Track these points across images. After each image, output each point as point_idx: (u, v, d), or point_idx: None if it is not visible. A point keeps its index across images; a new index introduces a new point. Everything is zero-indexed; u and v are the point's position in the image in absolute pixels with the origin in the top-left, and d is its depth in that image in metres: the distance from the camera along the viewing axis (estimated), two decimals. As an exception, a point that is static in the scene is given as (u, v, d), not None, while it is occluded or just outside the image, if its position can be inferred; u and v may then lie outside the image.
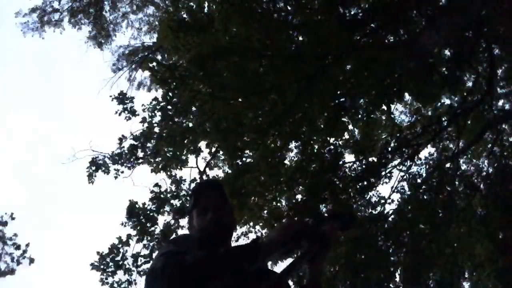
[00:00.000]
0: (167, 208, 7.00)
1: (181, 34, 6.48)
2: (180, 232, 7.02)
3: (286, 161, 7.39)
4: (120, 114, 6.96)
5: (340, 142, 7.30)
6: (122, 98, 7.04)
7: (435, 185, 7.31)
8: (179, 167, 7.15)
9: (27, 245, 13.46)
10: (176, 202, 7.02)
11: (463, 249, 7.46)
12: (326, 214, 1.74)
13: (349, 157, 7.39)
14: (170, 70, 6.59)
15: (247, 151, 6.91)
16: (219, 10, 6.43)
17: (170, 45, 7.01)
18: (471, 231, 7.38)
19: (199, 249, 1.51)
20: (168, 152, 7.05)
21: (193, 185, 7.02)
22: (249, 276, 1.36)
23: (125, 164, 7.18)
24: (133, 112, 6.98)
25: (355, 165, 7.23)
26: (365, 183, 7.10)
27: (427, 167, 7.77)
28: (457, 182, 7.77)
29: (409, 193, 7.41)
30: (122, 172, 7.20)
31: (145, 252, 6.84)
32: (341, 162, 7.07)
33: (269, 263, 2.64)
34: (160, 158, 7.12)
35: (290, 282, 1.65)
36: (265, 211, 7.22)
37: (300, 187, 7.07)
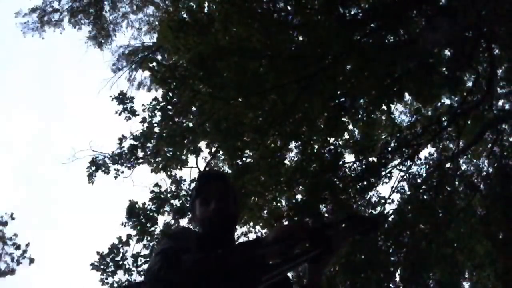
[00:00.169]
0: (167, 208, 6.99)
1: (181, 34, 6.48)
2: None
3: (286, 161, 7.40)
4: (120, 114, 6.95)
5: (340, 142, 7.30)
6: (122, 98, 7.04)
7: (435, 185, 7.31)
8: (179, 167, 7.15)
9: (27, 245, 13.46)
10: (176, 202, 7.01)
11: (463, 249, 7.46)
12: (346, 217, 1.64)
13: (349, 157, 7.40)
14: (170, 70, 6.59)
15: (247, 151, 6.91)
16: (219, 10, 6.43)
17: (170, 45, 7.01)
18: (471, 231, 7.38)
19: (199, 243, 1.49)
20: (168, 152, 7.04)
21: (193, 185, 7.02)
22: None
23: (125, 164, 7.18)
24: (133, 112, 6.98)
25: (355, 165, 7.23)
26: (365, 183, 7.10)
27: (427, 167, 7.78)
28: (457, 182, 7.77)
29: (409, 193, 7.41)
30: (122, 172, 7.20)
31: (145, 252, 6.84)
32: (341, 162, 7.07)
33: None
34: (160, 158, 7.11)
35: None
36: (265, 211, 7.22)
37: (300, 187, 7.08)
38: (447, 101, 8.71)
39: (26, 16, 11.12)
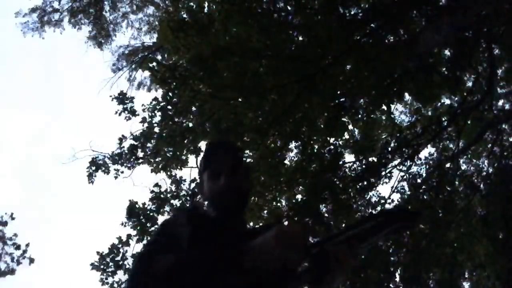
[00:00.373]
0: (167, 208, 6.99)
1: (181, 34, 6.48)
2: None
3: (286, 161, 7.40)
4: (120, 114, 6.95)
5: (340, 142, 7.30)
6: (122, 98, 7.03)
7: (435, 185, 7.31)
8: (179, 167, 7.14)
9: (27, 245, 13.47)
10: (176, 202, 7.01)
11: (463, 249, 7.46)
12: (378, 214, 1.32)
13: (349, 157, 7.40)
14: (170, 70, 6.59)
15: (247, 151, 6.91)
16: (219, 10, 6.43)
17: (170, 45, 7.00)
18: (471, 231, 7.39)
19: (207, 224, 1.40)
20: (168, 152, 7.04)
21: (193, 185, 7.02)
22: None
23: (125, 164, 7.18)
24: (133, 112, 6.98)
25: (355, 165, 7.23)
26: (365, 183, 7.10)
27: (427, 167, 7.78)
28: (457, 182, 7.77)
29: (409, 193, 7.41)
30: (122, 172, 7.19)
31: (145, 252, 6.83)
32: (341, 162, 7.07)
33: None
34: (160, 158, 7.11)
35: None
36: (265, 211, 7.22)
37: (300, 187, 7.08)
38: (447, 101, 8.73)
39: (26, 16, 11.14)
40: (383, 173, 7.27)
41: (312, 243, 1.23)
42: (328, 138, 7.02)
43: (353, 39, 6.42)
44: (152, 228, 6.86)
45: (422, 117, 8.32)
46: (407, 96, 8.21)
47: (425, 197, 7.28)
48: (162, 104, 6.79)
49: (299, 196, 7.13)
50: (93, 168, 7.12)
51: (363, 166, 7.19)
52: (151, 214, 6.84)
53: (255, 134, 6.54)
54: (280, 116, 6.32)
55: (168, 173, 7.14)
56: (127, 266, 6.70)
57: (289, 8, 6.64)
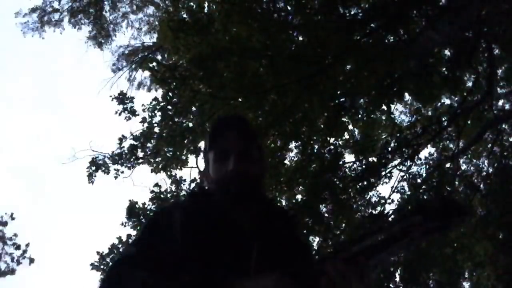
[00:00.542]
0: (167, 208, 6.98)
1: (181, 34, 6.48)
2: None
3: (286, 161, 7.40)
4: (120, 114, 6.96)
5: (340, 142, 7.31)
6: (122, 98, 7.04)
7: (435, 185, 7.31)
8: (179, 167, 7.15)
9: (27, 245, 13.50)
10: (176, 202, 7.01)
11: (463, 249, 7.46)
12: (417, 209, 0.97)
13: (349, 157, 7.40)
14: (170, 70, 6.59)
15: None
16: (219, 10, 6.43)
17: (170, 45, 7.00)
18: (471, 231, 7.39)
19: (213, 214, 1.22)
20: (168, 152, 7.04)
21: (193, 185, 7.02)
22: None
23: (125, 164, 7.18)
24: (133, 112, 6.98)
25: (355, 165, 7.23)
26: (365, 183, 7.10)
27: (427, 167, 7.78)
28: (457, 182, 7.77)
29: (409, 193, 7.41)
30: (122, 172, 7.20)
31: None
32: (341, 162, 7.07)
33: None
34: (160, 158, 7.11)
35: None
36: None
37: (300, 187, 7.08)
38: (447, 101, 8.72)
39: (26, 16, 11.13)
40: (383, 173, 7.28)
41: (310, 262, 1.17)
42: (328, 138, 7.02)
43: (353, 39, 6.42)
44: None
45: (422, 117, 8.32)
46: (407, 96, 8.22)
47: (425, 197, 7.27)
48: (162, 104, 6.79)
49: (299, 196, 7.14)
50: (93, 168, 7.12)
51: (363, 166, 7.19)
52: (151, 214, 6.83)
53: (255, 134, 6.52)
54: (280, 116, 6.32)
55: (168, 173, 7.14)
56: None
57: (289, 8, 6.64)
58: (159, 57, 10.50)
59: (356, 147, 7.28)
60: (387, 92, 6.79)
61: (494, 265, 7.49)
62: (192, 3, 7.08)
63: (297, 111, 6.51)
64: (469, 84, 8.14)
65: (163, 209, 1.36)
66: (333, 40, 6.00)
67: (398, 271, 7.02)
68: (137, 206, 6.84)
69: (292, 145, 7.36)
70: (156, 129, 6.96)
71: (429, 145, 7.82)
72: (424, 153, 10.16)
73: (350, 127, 7.43)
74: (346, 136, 7.47)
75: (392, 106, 7.75)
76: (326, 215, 6.83)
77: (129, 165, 7.19)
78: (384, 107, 7.45)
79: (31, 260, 13.44)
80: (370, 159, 7.26)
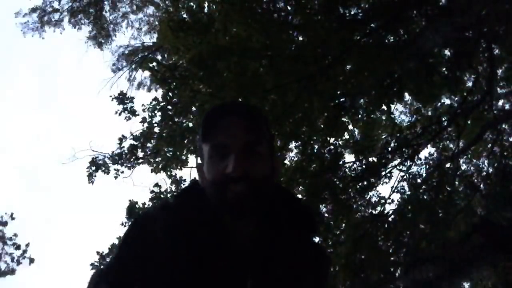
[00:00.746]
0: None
1: (181, 34, 6.48)
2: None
3: (286, 161, 7.40)
4: (120, 114, 6.96)
5: (340, 142, 7.31)
6: (122, 98, 7.04)
7: (435, 185, 7.31)
8: (179, 167, 7.15)
9: (27, 245, 13.51)
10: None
11: (463, 249, 7.46)
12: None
13: (349, 157, 7.41)
14: (170, 70, 6.59)
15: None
16: (219, 10, 6.43)
17: (170, 45, 7.00)
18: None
19: (206, 225, 0.99)
20: (168, 152, 7.04)
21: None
22: None
23: (125, 164, 7.18)
24: (133, 112, 6.98)
25: (355, 165, 7.23)
26: (365, 183, 7.10)
27: (427, 167, 7.78)
28: (457, 182, 7.77)
29: (409, 193, 7.41)
30: (122, 172, 7.20)
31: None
32: (341, 162, 7.07)
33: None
34: (160, 158, 7.12)
35: None
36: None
37: (300, 187, 7.08)
38: (447, 101, 8.72)
39: (26, 16, 11.12)
40: (383, 173, 7.28)
41: None
42: (328, 138, 7.03)
43: (353, 39, 6.42)
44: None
45: (422, 117, 8.32)
46: (407, 96, 8.22)
47: (425, 197, 7.28)
48: (162, 104, 6.79)
49: (299, 196, 7.14)
50: (93, 168, 7.13)
51: (363, 166, 7.19)
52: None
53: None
54: (280, 116, 6.32)
55: (168, 173, 7.14)
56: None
57: (289, 8, 6.64)
58: (159, 57, 10.51)
59: (356, 147, 7.28)
60: (387, 92, 6.80)
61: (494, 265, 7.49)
62: (192, 3, 7.08)
63: (297, 111, 6.51)
64: (469, 84, 8.14)
65: (145, 219, 1.03)
66: (333, 40, 6.00)
67: (398, 271, 7.02)
68: (137, 206, 6.84)
69: (292, 145, 7.36)
70: (156, 129, 6.96)
71: (429, 145, 7.83)
72: (424, 153, 10.18)
73: (350, 127, 7.45)
74: (346, 136, 7.48)
75: (392, 106, 7.75)
76: (326, 215, 6.83)
77: (129, 165, 7.20)
78: (384, 107, 7.45)
79: (31, 260, 13.45)
80: (370, 159, 7.27)
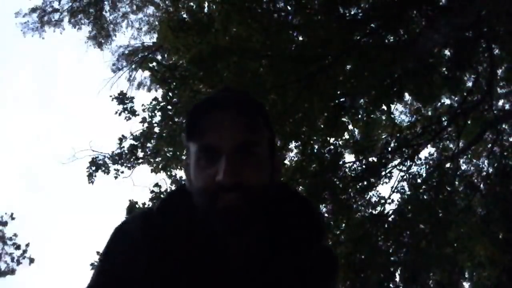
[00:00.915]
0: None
1: (181, 34, 6.48)
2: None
3: (286, 161, 7.40)
4: (120, 114, 6.96)
5: (340, 142, 7.31)
6: (122, 98, 7.04)
7: (435, 185, 7.32)
8: (179, 167, 7.15)
9: (27, 245, 13.52)
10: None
11: (463, 249, 7.47)
12: None
13: (349, 157, 7.41)
14: (170, 70, 6.60)
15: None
16: (219, 10, 6.44)
17: (170, 45, 7.01)
18: (471, 231, 7.39)
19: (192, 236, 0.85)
20: (168, 152, 7.04)
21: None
22: None
23: (125, 164, 7.18)
24: (133, 112, 6.98)
25: (355, 165, 7.23)
26: (365, 183, 7.10)
27: (427, 167, 7.78)
28: (457, 182, 7.78)
29: (409, 193, 7.42)
30: (122, 172, 7.21)
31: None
32: (341, 162, 7.07)
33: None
34: (160, 158, 7.12)
35: None
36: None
37: (300, 187, 7.08)
38: (447, 101, 8.73)
39: (26, 16, 11.13)
40: (383, 173, 7.28)
41: None
42: (328, 138, 7.03)
43: (353, 39, 6.43)
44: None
45: (422, 117, 8.32)
46: (407, 96, 8.22)
47: (425, 197, 7.28)
48: (162, 104, 6.80)
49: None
50: (93, 168, 7.13)
51: (363, 166, 7.19)
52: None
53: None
54: (280, 116, 6.32)
55: (168, 173, 7.14)
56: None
57: (289, 8, 6.64)
58: (159, 57, 10.51)
59: (356, 147, 7.28)
60: (387, 92, 6.80)
61: (494, 265, 7.49)
62: (192, 3, 7.09)
63: (297, 111, 6.51)
64: (469, 84, 8.15)
65: (124, 233, 0.89)
66: (333, 40, 6.01)
67: (398, 271, 7.03)
68: (137, 206, 6.84)
69: (292, 145, 7.36)
70: (156, 129, 6.96)
71: (429, 145, 7.83)
72: (424, 153, 10.20)
73: (350, 127, 7.44)
74: (346, 136, 7.48)
75: (392, 106, 7.76)
76: (326, 215, 6.84)
77: (129, 165, 7.20)
78: (384, 107, 7.45)
79: (31, 260, 13.47)
80: (370, 159, 7.27)
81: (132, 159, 7.15)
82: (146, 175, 7.32)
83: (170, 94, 6.70)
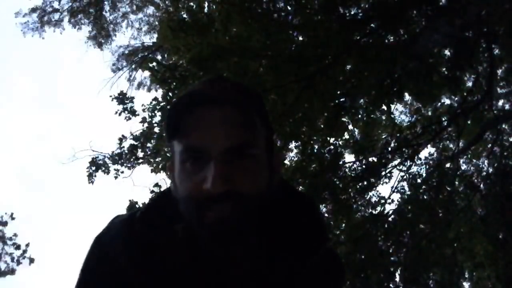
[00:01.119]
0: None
1: (181, 34, 6.48)
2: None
3: (286, 161, 7.40)
4: (120, 114, 6.96)
5: (340, 142, 7.31)
6: (122, 98, 7.04)
7: (435, 185, 7.32)
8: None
9: (27, 245, 13.53)
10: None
11: (463, 249, 7.47)
12: None
13: (349, 157, 7.41)
14: (170, 70, 6.60)
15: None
16: (219, 10, 6.44)
17: (170, 45, 7.01)
18: (471, 231, 7.39)
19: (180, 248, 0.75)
20: (168, 152, 7.04)
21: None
22: None
23: (125, 164, 7.18)
24: (133, 112, 6.99)
25: (355, 165, 7.23)
26: (365, 183, 7.10)
27: (427, 167, 7.79)
28: (457, 182, 7.78)
29: (409, 193, 7.42)
30: (122, 172, 7.21)
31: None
32: (341, 162, 7.07)
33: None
34: (160, 158, 7.12)
35: None
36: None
37: (300, 187, 7.08)
38: (447, 101, 8.73)
39: (26, 16, 11.13)
40: (383, 173, 7.28)
41: None
42: (328, 138, 7.03)
43: (353, 39, 6.43)
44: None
45: (422, 117, 8.33)
46: (407, 96, 8.22)
47: (425, 197, 7.28)
48: (162, 104, 6.80)
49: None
50: (93, 168, 7.13)
51: (363, 166, 7.19)
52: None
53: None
54: (280, 116, 6.32)
55: (168, 173, 7.14)
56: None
57: (289, 8, 6.64)
58: (159, 57, 10.52)
59: (356, 147, 7.29)
60: (387, 92, 6.80)
61: (494, 265, 7.50)
62: (192, 3, 7.09)
63: (297, 111, 6.51)
64: (469, 84, 8.15)
65: (106, 242, 0.79)
66: (333, 40, 6.01)
67: (398, 271, 7.03)
68: (137, 206, 6.84)
69: (292, 145, 7.37)
70: (156, 129, 6.97)
71: (429, 145, 7.84)
72: (424, 153, 10.20)
73: (350, 127, 7.45)
74: (346, 136, 7.48)
75: (392, 106, 7.76)
76: (326, 215, 6.84)
77: (129, 165, 7.20)
78: (384, 107, 7.46)
79: (31, 260, 13.47)
80: (370, 159, 7.27)
81: (132, 159, 7.15)
82: (146, 175, 7.33)
83: (170, 94, 6.70)
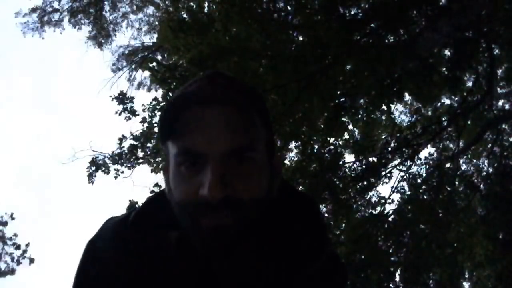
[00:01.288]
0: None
1: (181, 34, 6.49)
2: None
3: (286, 161, 7.40)
4: (120, 114, 6.97)
5: (340, 142, 7.31)
6: (122, 98, 7.05)
7: (435, 185, 7.32)
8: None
9: (27, 245, 13.53)
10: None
11: (463, 249, 7.47)
12: None
13: (349, 157, 7.42)
14: (170, 70, 6.60)
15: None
16: (219, 10, 6.44)
17: (170, 45, 7.01)
18: (471, 231, 7.39)
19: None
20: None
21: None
22: None
23: (125, 164, 7.19)
24: (133, 112, 6.99)
25: (355, 165, 7.24)
26: (365, 183, 7.11)
27: (427, 167, 7.79)
28: (457, 182, 7.78)
29: (409, 193, 7.42)
30: (122, 172, 7.21)
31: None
32: (341, 162, 7.08)
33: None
34: (160, 158, 7.12)
35: None
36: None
37: (300, 187, 7.08)
38: (447, 101, 8.74)
39: (26, 16, 11.14)
40: (383, 173, 7.28)
41: None
42: (328, 138, 7.03)
43: (353, 39, 6.43)
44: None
45: (422, 117, 8.34)
46: (407, 96, 8.23)
47: (425, 197, 7.28)
48: (162, 104, 6.80)
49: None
50: (93, 168, 7.14)
51: (363, 166, 7.19)
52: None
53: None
54: (280, 116, 6.32)
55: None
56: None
57: (289, 8, 6.64)
58: (159, 57, 10.53)
59: (356, 147, 7.29)
60: (387, 92, 6.80)
61: (494, 265, 7.50)
62: (192, 3, 7.09)
63: (297, 111, 6.51)
64: (469, 84, 8.15)
65: (98, 248, 0.76)
66: (333, 40, 6.01)
67: (398, 271, 7.03)
68: (137, 206, 6.84)
69: (292, 145, 7.37)
70: (156, 129, 6.97)
71: (429, 145, 7.84)
72: (424, 153, 10.21)
73: (350, 127, 7.45)
74: (346, 136, 7.49)
75: (392, 106, 7.76)
76: (326, 215, 6.84)
77: (129, 165, 7.21)
78: (384, 107, 7.46)
79: (31, 260, 13.48)
80: (370, 159, 7.27)
81: (132, 159, 7.16)
82: (146, 175, 7.35)
83: (170, 94, 6.71)
